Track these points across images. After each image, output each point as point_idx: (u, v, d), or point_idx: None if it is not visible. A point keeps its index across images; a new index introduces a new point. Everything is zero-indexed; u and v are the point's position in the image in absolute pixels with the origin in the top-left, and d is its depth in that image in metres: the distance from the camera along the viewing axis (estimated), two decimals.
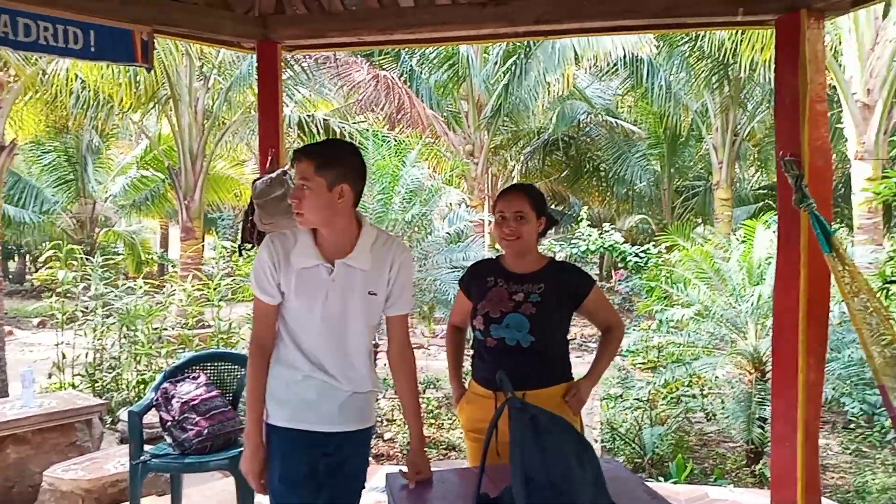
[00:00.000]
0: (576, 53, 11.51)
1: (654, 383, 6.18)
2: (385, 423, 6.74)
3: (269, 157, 3.92)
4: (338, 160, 2.02)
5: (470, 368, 2.61)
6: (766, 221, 6.30)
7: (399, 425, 6.60)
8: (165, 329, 7.19)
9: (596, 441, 6.42)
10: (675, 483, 5.01)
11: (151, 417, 3.55)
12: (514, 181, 16.09)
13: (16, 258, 21.93)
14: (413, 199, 7.24)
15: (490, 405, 2.35)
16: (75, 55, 3.11)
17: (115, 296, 7.15)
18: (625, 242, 10.92)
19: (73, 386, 6.59)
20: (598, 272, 13.52)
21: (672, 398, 6.36)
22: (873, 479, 5.32)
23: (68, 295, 7.03)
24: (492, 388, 2.38)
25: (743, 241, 6.61)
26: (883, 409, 5.30)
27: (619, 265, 12.42)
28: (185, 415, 3.33)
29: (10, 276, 20.96)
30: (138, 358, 6.75)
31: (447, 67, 12.45)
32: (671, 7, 3.52)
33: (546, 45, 11.52)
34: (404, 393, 2.23)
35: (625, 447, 6.07)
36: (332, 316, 2.06)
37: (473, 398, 2.48)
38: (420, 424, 2.22)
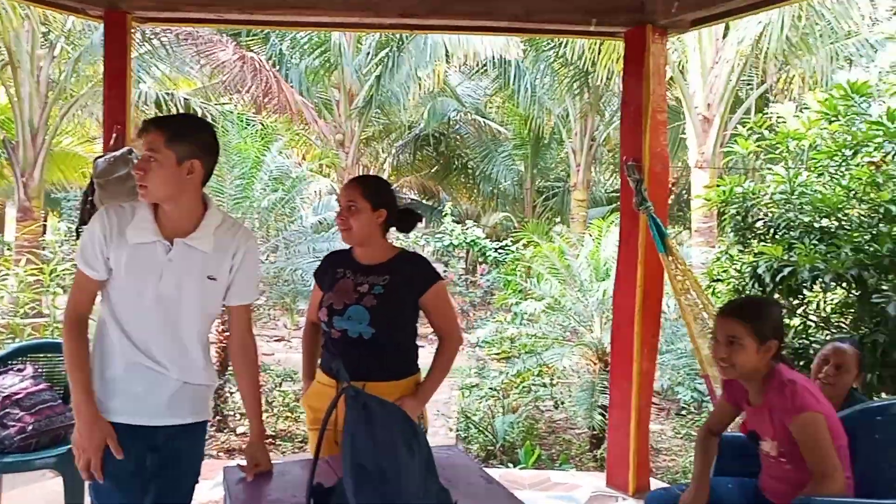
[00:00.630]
0: (447, 51, 11.68)
1: (508, 373, 6.42)
2: (238, 416, 6.53)
3: (115, 135, 3.71)
4: (190, 135, 1.93)
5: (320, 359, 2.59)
6: (613, 222, 6.72)
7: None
8: None
9: (451, 430, 6.58)
10: (522, 469, 5.24)
11: None
12: (386, 173, 16.12)
13: None
14: (277, 187, 7.04)
15: (332, 394, 2.34)
16: None
17: None
18: (487, 238, 11.23)
19: None
20: (463, 266, 13.81)
21: (524, 387, 6.64)
22: None
23: None
24: (336, 379, 2.36)
25: (592, 240, 7.02)
26: (709, 397, 5.84)
27: (480, 260, 12.79)
28: (6, 410, 3.06)
29: None
30: None
31: (318, 54, 12.20)
32: (531, 12, 3.68)
33: (418, 40, 11.60)
34: (245, 385, 2.17)
35: (478, 435, 6.27)
36: (166, 298, 1.94)
37: (317, 388, 2.46)
38: (260, 417, 2.17)
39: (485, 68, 13.27)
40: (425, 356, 2.40)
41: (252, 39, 11.74)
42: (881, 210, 3.47)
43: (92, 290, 1.97)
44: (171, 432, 1.99)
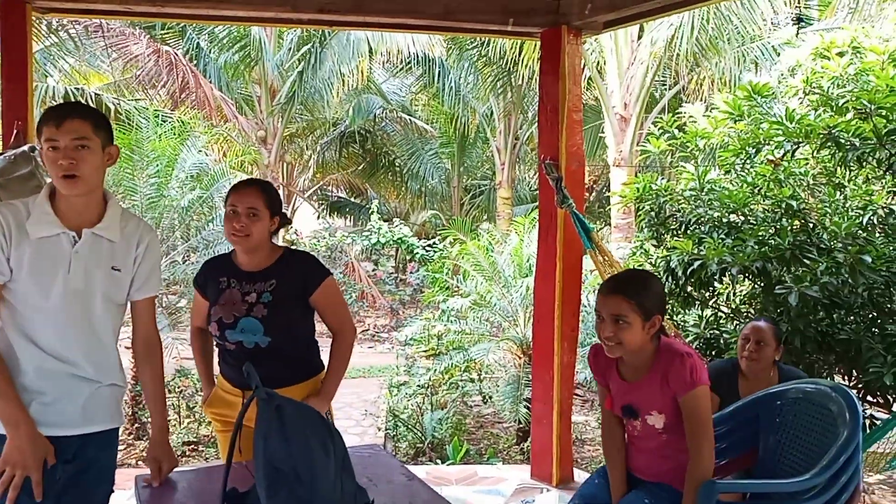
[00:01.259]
0: (370, 47, 11.62)
1: (436, 370, 6.46)
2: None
3: (16, 131, 3.51)
4: (106, 121, 1.92)
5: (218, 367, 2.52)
6: (536, 219, 6.84)
7: (172, 425, 6.22)
8: None
9: (380, 430, 6.56)
10: (450, 465, 5.27)
11: None
12: (311, 171, 15.88)
13: None
14: (194, 185, 6.83)
15: (235, 401, 2.33)
16: None
17: None
18: (415, 236, 11.24)
19: None
20: (392, 265, 13.80)
21: (452, 383, 6.69)
22: None
23: None
24: (240, 388, 2.33)
25: (517, 237, 7.13)
26: None
27: (408, 257, 12.80)
28: None
29: None
30: None
31: (238, 49, 11.91)
32: (450, 11, 3.70)
33: (341, 36, 11.49)
34: (149, 381, 2.11)
35: (407, 433, 6.28)
36: (75, 291, 1.86)
37: (222, 395, 2.42)
38: (164, 415, 2.14)
39: (409, 66, 13.27)
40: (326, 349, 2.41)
41: (167, 33, 11.33)
42: (783, 205, 3.66)
43: None
44: (84, 441, 1.90)
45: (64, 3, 3.63)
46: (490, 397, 6.87)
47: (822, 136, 3.57)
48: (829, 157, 3.73)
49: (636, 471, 2.23)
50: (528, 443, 5.98)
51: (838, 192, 3.81)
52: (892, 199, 3.78)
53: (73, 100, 9.96)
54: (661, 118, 4.60)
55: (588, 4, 3.55)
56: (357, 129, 14.88)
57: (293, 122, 13.75)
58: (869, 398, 3.56)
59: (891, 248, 3.50)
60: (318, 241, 12.89)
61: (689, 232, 3.97)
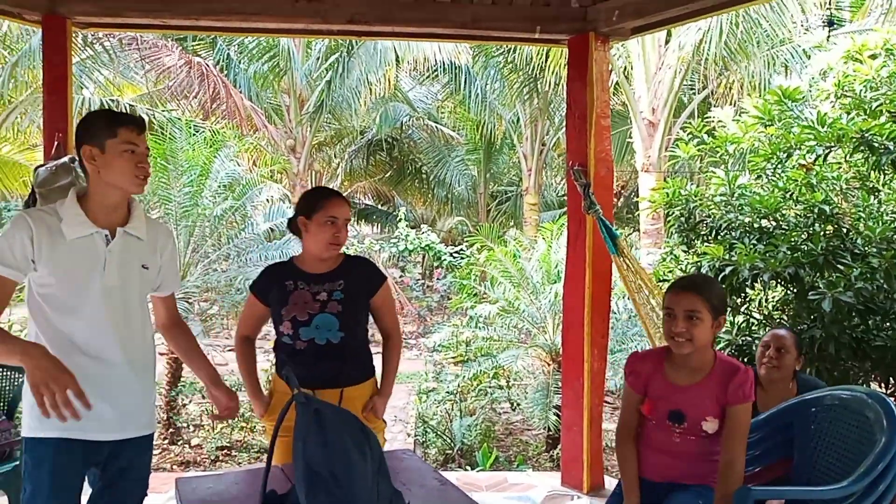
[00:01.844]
0: (396, 56, 11.70)
1: (464, 376, 6.47)
2: (192, 428, 6.41)
3: (56, 143, 3.61)
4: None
5: (274, 371, 2.57)
6: (564, 225, 6.83)
7: (206, 430, 6.32)
8: None
9: (409, 435, 6.58)
10: (480, 471, 5.28)
11: None
12: (339, 179, 16.02)
13: None
14: (227, 194, 6.95)
15: None
16: None
17: None
18: (442, 243, 11.28)
19: None
20: (420, 271, 13.85)
21: (481, 390, 6.70)
22: None
23: None
24: (310, 388, 2.37)
25: (544, 243, 7.12)
26: None
27: (435, 264, 12.83)
28: None
29: None
30: None
31: (267, 59, 12.07)
32: (477, 19, 3.73)
33: (368, 45, 11.58)
34: (184, 341, 2.23)
35: (436, 439, 6.29)
36: (111, 289, 1.93)
37: (284, 400, 2.46)
38: (211, 365, 2.24)
39: (436, 73, 13.33)
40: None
41: (199, 44, 11.55)
42: (815, 210, 3.62)
43: (7, 292, 1.89)
44: (121, 446, 1.96)
45: (102, 18, 3.73)
46: (519, 404, 6.86)
47: (854, 139, 3.53)
48: (863, 160, 3.68)
49: (661, 476, 2.23)
50: (558, 450, 5.95)
51: (872, 197, 3.76)
52: None
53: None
54: (690, 123, 4.58)
55: (615, 11, 3.55)
56: (384, 137, 14.98)
57: (321, 131, 13.89)
58: None
59: None
60: (347, 248, 12.95)
61: (719, 237, 3.94)
